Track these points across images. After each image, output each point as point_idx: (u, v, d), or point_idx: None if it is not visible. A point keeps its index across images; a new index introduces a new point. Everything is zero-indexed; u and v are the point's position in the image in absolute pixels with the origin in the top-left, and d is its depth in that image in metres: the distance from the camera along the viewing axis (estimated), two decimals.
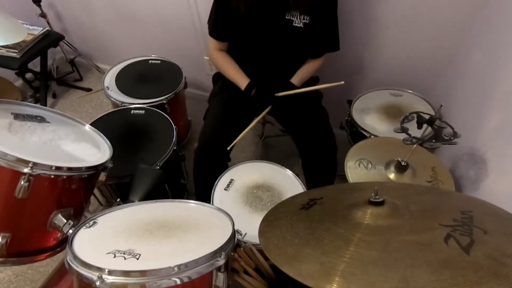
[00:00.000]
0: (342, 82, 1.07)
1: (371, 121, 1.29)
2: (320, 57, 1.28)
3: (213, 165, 1.15)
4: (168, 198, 1.32)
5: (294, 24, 1.13)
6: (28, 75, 2.24)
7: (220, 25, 1.21)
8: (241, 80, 1.23)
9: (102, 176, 0.92)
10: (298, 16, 1.12)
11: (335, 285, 0.42)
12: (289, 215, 0.67)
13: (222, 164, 1.18)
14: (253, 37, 1.20)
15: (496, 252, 0.43)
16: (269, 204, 1.04)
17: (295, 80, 1.26)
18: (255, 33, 1.19)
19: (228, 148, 1.12)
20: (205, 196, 1.08)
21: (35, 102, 2.05)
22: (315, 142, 1.20)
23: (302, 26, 1.13)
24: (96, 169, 0.87)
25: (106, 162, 0.91)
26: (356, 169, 1.00)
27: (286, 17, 1.12)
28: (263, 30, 1.16)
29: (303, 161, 1.27)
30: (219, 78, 1.40)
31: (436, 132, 0.86)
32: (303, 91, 1.17)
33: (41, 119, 0.90)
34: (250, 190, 1.08)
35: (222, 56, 1.29)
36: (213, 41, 1.27)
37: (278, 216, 0.69)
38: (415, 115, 0.90)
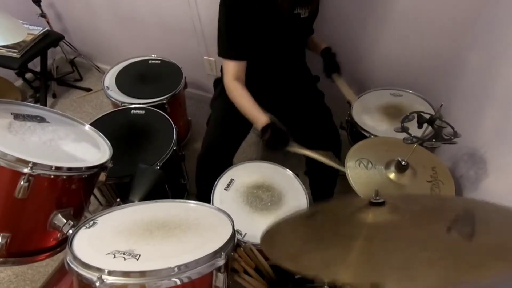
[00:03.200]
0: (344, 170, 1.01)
1: (371, 121, 1.29)
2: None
3: (217, 170, 1.14)
4: (168, 198, 1.32)
5: (301, 16, 1.15)
6: (28, 75, 2.24)
7: (237, 41, 1.13)
8: (259, 116, 1.12)
9: (102, 176, 0.92)
10: (303, 8, 1.14)
11: (337, 275, 0.42)
12: (290, 224, 0.67)
13: (225, 168, 1.18)
14: (268, 41, 1.19)
15: (499, 239, 0.42)
16: (269, 204, 1.04)
17: (324, 44, 1.34)
18: (270, 36, 1.17)
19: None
20: (207, 200, 1.08)
21: (35, 102, 2.05)
22: (320, 139, 1.20)
23: (307, 15, 1.16)
24: (96, 169, 0.87)
25: (106, 162, 0.91)
26: (356, 169, 1.00)
27: (295, 12, 1.14)
28: (276, 29, 1.15)
29: (307, 158, 1.27)
30: (220, 82, 1.40)
31: (436, 131, 0.86)
32: (313, 156, 1.09)
33: (41, 119, 0.90)
34: (250, 190, 1.08)
35: (238, 88, 1.17)
36: (231, 66, 1.15)
37: (279, 224, 0.69)
38: (415, 115, 0.90)
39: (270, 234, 0.66)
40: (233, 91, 1.18)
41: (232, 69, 1.15)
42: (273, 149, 1.10)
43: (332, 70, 1.31)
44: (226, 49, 1.14)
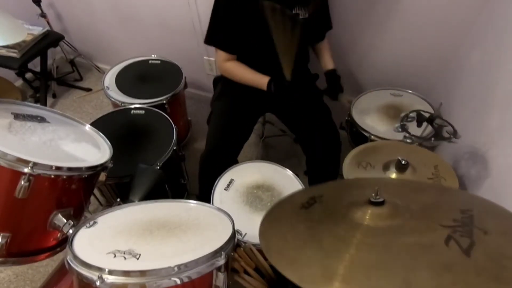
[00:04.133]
0: None
1: (371, 121, 1.29)
2: (324, 38, 1.34)
3: (220, 170, 1.14)
4: (168, 198, 1.32)
5: (300, 16, 1.15)
6: (28, 75, 2.24)
7: (225, 34, 1.18)
8: (262, 80, 1.19)
9: (102, 176, 0.92)
10: (302, 8, 1.14)
11: None
12: (289, 214, 0.67)
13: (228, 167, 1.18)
14: (263, 38, 1.19)
15: (496, 254, 0.43)
16: (269, 204, 1.04)
17: (330, 64, 1.30)
18: (265, 33, 1.18)
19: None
20: (208, 200, 1.08)
21: (35, 102, 2.05)
22: (320, 138, 1.21)
23: (307, 16, 1.16)
24: (96, 169, 0.87)
25: (106, 162, 0.91)
26: (356, 171, 1.00)
27: (293, 12, 1.13)
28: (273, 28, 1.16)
29: (307, 157, 1.28)
30: (219, 81, 1.40)
31: (436, 130, 0.86)
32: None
33: (41, 119, 0.90)
34: (250, 190, 1.08)
35: (234, 65, 1.24)
36: (222, 54, 1.22)
37: (278, 216, 0.69)
38: (415, 114, 0.90)
39: (267, 226, 0.65)
40: (228, 70, 1.25)
41: (221, 55, 1.22)
42: (284, 94, 1.17)
43: (336, 93, 1.26)
44: (223, 42, 1.20)
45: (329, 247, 0.51)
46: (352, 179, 0.95)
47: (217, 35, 1.19)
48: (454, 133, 0.83)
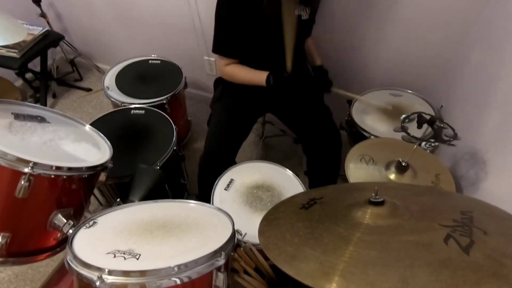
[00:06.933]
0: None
1: (371, 121, 1.29)
2: (310, 34, 1.35)
3: (219, 171, 1.15)
4: (168, 198, 1.32)
5: (302, 18, 1.16)
6: (28, 75, 2.24)
7: (231, 42, 1.17)
8: (261, 76, 1.18)
9: (102, 176, 0.92)
10: (304, 10, 1.15)
11: (335, 285, 0.42)
12: (289, 215, 0.67)
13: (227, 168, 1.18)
14: (266, 41, 1.19)
15: (495, 253, 0.43)
16: (269, 204, 1.04)
17: (318, 61, 1.33)
18: (268, 37, 1.17)
19: None
20: (208, 200, 1.08)
21: (35, 102, 2.05)
22: (321, 138, 1.21)
23: (308, 18, 1.17)
24: (96, 169, 0.87)
25: (106, 162, 0.91)
26: (357, 164, 1.00)
27: (296, 13, 1.14)
28: (276, 31, 1.15)
29: (308, 157, 1.28)
30: (220, 82, 1.40)
31: (436, 132, 0.86)
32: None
33: (41, 119, 0.90)
34: (250, 190, 1.08)
35: (234, 67, 1.24)
36: (225, 59, 1.22)
37: (278, 216, 0.69)
38: (416, 115, 0.90)
39: (267, 225, 0.65)
40: (229, 73, 1.25)
41: (224, 59, 1.23)
42: (282, 85, 1.16)
43: (326, 88, 1.27)
44: (225, 49, 1.20)
45: (328, 244, 0.52)
46: (352, 183, 0.95)
47: (224, 43, 1.19)
48: (454, 136, 0.83)
